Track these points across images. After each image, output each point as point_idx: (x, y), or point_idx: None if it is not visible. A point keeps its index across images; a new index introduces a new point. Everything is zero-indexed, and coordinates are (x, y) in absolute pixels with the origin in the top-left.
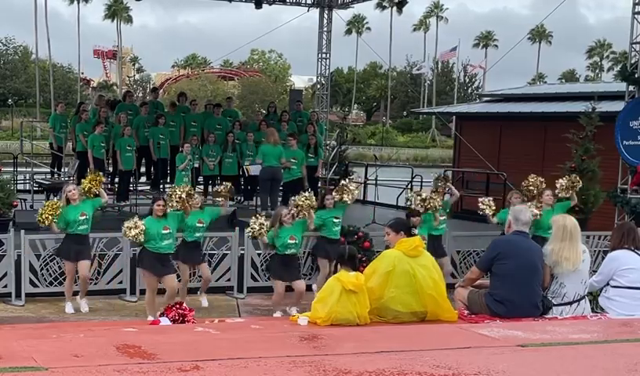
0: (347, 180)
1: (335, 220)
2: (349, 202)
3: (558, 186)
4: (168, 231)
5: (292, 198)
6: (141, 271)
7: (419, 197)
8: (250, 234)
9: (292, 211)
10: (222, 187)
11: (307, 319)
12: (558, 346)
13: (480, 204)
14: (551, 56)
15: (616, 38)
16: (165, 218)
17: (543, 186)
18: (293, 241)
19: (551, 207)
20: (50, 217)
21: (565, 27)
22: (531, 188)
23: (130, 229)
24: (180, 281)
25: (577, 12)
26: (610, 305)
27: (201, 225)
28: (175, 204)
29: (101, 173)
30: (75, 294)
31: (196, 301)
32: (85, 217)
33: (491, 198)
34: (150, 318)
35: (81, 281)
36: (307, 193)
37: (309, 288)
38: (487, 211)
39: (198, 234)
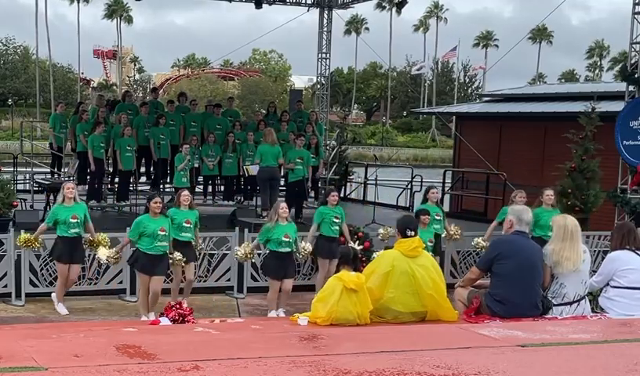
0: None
1: (335, 219)
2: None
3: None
4: (164, 233)
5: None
6: (136, 271)
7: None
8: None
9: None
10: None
11: (307, 319)
12: (558, 346)
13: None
14: (548, 56)
15: (607, 39)
16: (163, 217)
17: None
18: (287, 239)
19: (552, 208)
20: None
21: (556, 27)
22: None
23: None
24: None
25: (561, 13)
26: (610, 305)
27: (188, 225)
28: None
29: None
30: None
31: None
32: (76, 220)
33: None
34: (144, 318)
35: (69, 284)
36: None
37: (312, 288)
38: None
39: (186, 234)
